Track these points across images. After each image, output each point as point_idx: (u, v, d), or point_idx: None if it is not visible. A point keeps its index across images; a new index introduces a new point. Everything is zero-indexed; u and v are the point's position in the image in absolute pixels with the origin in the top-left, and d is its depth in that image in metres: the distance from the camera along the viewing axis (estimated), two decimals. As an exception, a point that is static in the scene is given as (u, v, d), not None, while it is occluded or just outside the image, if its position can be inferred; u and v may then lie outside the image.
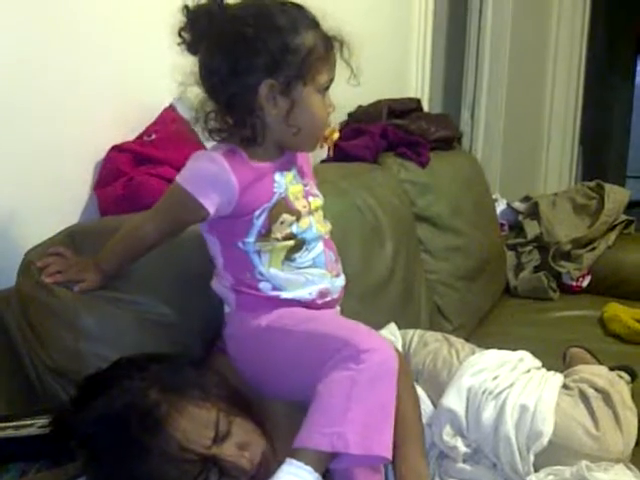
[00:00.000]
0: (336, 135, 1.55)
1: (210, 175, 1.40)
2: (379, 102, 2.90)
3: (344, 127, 2.83)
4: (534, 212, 3.27)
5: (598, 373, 1.69)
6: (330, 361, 1.29)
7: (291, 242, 1.46)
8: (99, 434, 1.27)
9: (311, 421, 1.26)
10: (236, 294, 1.49)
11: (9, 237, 1.66)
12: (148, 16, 1.88)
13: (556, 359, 1.99)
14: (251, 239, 1.43)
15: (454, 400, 1.57)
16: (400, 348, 1.77)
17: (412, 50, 3.40)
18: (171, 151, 1.82)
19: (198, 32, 1.40)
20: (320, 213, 1.55)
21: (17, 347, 1.57)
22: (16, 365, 1.56)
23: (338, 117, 2.86)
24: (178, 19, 1.40)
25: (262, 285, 1.46)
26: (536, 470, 1.49)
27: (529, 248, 3.17)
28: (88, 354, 1.51)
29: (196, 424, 1.27)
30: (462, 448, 1.54)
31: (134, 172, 1.78)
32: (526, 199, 3.43)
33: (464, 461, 1.55)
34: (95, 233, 1.65)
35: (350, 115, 2.90)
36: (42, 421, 1.39)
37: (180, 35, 1.41)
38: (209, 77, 1.40)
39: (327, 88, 1.43)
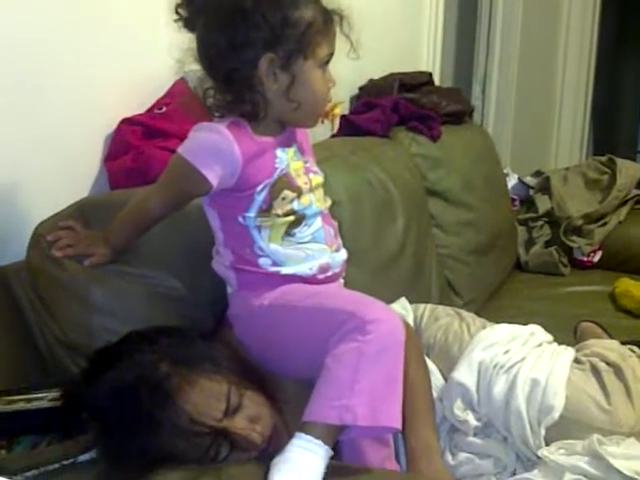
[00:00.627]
0: (338, 110, 1.53)
1: (213, 146, 1.39)
2: (390, 76, 2.88)
3: (355, 101, 2.82)
4: (545, 187, 3.25)
5: (610, 347, 1.69)
6: (336, 334, 1.28)
7: (291, 217, 1.44)
8: (110, 407, 1.28)
9: (319, 394, 1.26)
10: (236, 273, 1.48)
11: (19, 210, 1.67)
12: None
13: (567, 334, 1.98)
14: (252, 214, 1.42)
15: (465, 374, 1.57)
16: (411, 322, 1.76)
17: (424, 24, 3.37)
18: (181, 124, 1.80)
19: (195, 7, 1.38)
20: (320, 190, 1.54)
21: (28, 320, 1.58)
22: (27, 338, 1.57)
23: (350, 91, 2.85)
24: None
25: (262, 261, 1.45)
26: (547, 444, 1.48)
27: (540, 223, 3.15)
28: (98, 327, 1.52)
29: (207, 397, 1.28)
30: (473, 422, 1.54)
31: (144, 145, 1.77)
32: (537, 174, 3.41)
33: (475, 435, 1.55)
34: (105, 206, 1.65)
35: (361, 89, 2.88)
36: (53, 394, 1.39)
37: (177, 12, 1.39)
38: (207, 52, 1.38)
39: (327, 62, 1.41)
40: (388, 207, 2.28)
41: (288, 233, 1.45)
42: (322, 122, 1.52)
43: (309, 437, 1.22)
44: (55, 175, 1.73)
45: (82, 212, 1.61)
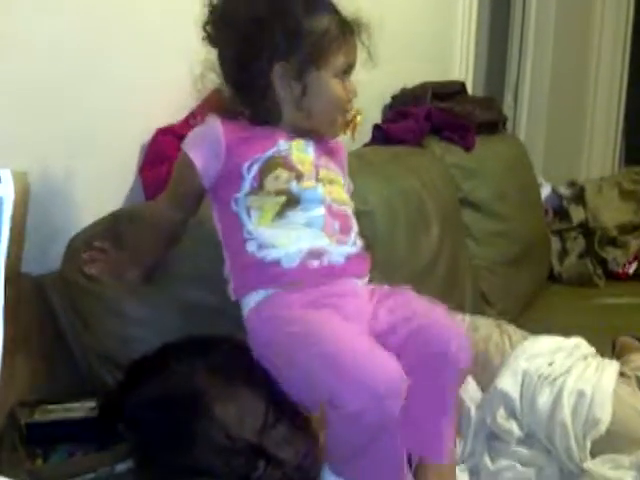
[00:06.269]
0: (359, 119, 1.51)
1: (201, 132, 1.46)
2: (423, 85, 2.87)
3: (388, 110, 2.81)
4: (579, 197, 3.22)
5: (654, 361, 1.67)
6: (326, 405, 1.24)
7: (282, 198, 1.38)
8: (146, 419, 1.28)
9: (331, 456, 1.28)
10: (233, 274, 1.42)
11: (55, 221, 1.66)
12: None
13: (604, 346, 1.95)
14: (243, 193, 1.39)
15: (509, 383, 1.54)
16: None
17: (456, 32, 3.35)
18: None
19: (217, 24, 1.42)
20: (336, 187, 1.46)
21: (64, 330, 1.59)
22: (63, 348, 1.58)
23: (382, 100, 2.84)
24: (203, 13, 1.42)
25: (249, 245, 1.37)
26: (592, 457, 1.46)
27: (574, 234, 3.12)
28: (132, 338, 1.53)
29: (244, 411, 1.26)
30: (516, 431, 1.52)
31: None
32: (571, 184, 3.38)
33: (517, 444, 1.53)
34: (139, 218, 1.65)
35: (394, 98, 2.87)
36: (90, 404, 1.40)
37: (204, 29, 1.43)
38: (223, 63, 1.42)
39: (347, 72, 1.42)
40: (422, 217, 2.27)
41: (280, 215, 1.38)
42: (344, 133, 1.51)
43: None
44: (91, 185, 1.72)
45: (117, 224, 1.62)
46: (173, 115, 1.87)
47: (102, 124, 1.73)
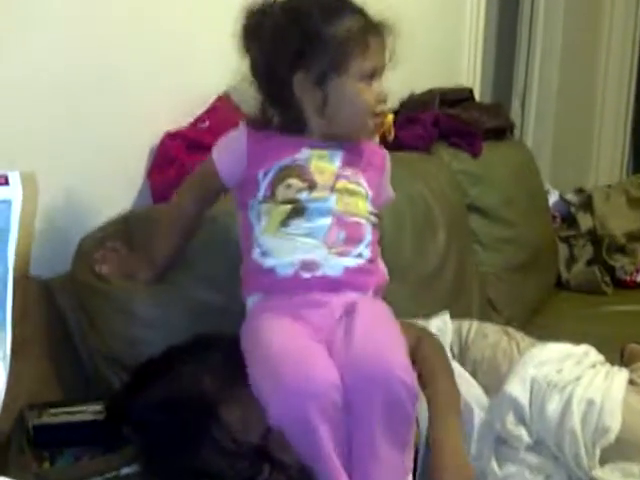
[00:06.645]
0: (390, 118, 1.51)
1: (228, 138, 1.50)
2: (431, 91, 2.86)
3: (396, 116, 2.81)
4: (587, 204, 3.21)
5: (664, 370, 1.66)
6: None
7: (288, 207, 1.39)
8: (152, 421, 1.28)
9: None
10: (242, 275, 1.45)
11: (64, 224, 1.67)
12: (202, 4, 1.88)
13: (610, 354, 1.94)
14: (257, 200, 1.42)
15: (518, 389, 1.53)
16: (450, 336, 1.73)
17: (464, 39, 3.35)
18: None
19: (248, 35, 1.43)
20: (356, 199, 1.44)
21: (71, 333, 1.59)
22: (70, 350, 1.58)
23: (390, 106, 2.83)
24: (238, 22, 1.44)
25: (254, 250, 1.40)
26: (601, 465, 1.46)
27: (582, 241, 3.11)
28: (139, 339, 1.54)
29: (249, 413, 1.26)
30: (526, 438, 1.51)
31: (187, 159, 1.77)
32: (579, 191, 3.37)
33: (526, 450, 1.53)
34: (148, 220, 1.65)
35: (402, 104, 2.86)
36: (96, 407, 1.40)
37: (238, 39, 1.44)
38: (254, 73, 1.45)
39: (374, 76, 1.41)
40: (429, 222, 2.27)
41: (284, 224, 1.38)
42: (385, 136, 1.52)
43: None
44: (99, 188, 1.73)
45: (125, 225, 1.62)
46: (181, 119, 1.88)
47: (111, 128, 1.74)
